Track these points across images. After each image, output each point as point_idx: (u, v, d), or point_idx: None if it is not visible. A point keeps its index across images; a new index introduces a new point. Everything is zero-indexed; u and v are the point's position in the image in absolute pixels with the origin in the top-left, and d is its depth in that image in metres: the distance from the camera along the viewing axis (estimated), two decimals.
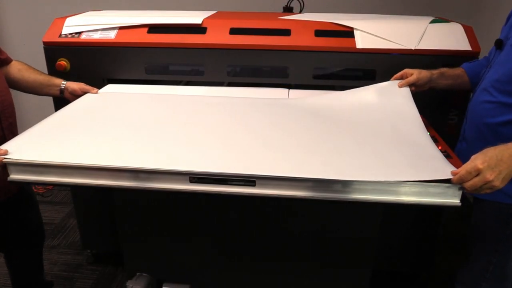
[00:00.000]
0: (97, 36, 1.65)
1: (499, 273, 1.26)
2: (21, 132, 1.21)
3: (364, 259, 1.46)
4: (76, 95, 1.53)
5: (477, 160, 0.92)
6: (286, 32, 1.61)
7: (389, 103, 1.37)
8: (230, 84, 1.74)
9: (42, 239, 1.70)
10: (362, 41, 1.56)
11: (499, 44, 1.19)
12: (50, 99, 1.67)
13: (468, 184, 0.92)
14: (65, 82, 1.53)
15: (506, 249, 1.22)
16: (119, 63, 1.66)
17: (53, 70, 1.65)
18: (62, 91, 1.52)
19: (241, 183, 0.96)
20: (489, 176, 0.91)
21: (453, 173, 0.94)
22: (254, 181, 0.95)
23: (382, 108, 1.36)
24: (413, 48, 1.53)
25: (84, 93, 1.53)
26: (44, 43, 1.65)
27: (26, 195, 1.57)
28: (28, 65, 1.52)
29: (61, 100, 1.57)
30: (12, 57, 1.50)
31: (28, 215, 1.61)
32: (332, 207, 1.38)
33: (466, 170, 0.92)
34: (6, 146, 1.06)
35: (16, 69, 1.48)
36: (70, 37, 1.65)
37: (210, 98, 1.52)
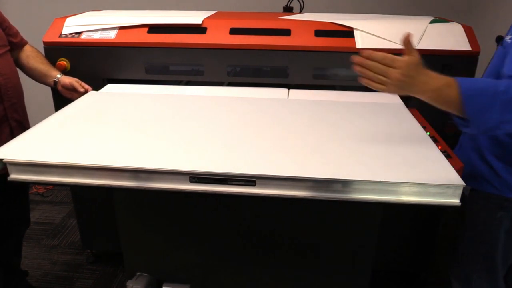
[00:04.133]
0: (97, 36, 1.65)
1: (488, 265, 1.24)
2: (28, 114, 1.24)
3: (364, 259, 1.46)
4: (67, 89, 1.57)
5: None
6: (286, 32, 1.61)
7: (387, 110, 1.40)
8: (230, 84, 1.74)
9: (27, 226, 1.75)
10: (362, 41, 1.56)
11: (499, 40, 1.18)
12: (50, 98, 1.68)
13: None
14: (59, 76, 1.58)
15: (494, 240, 1.21)
16: (119, 63, 1.66)
17: None
18: (55, 83, 1.58)
19: (241, 183, 0.96)
20: (392, 72, 0.91)
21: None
22: (254, 181, 0.95)
23: (380, 114, 1.37)
24: None
25: (73, 88, 1.56)
26: (44, 43, 1.65)
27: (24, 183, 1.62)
28: (37, 53, 1.62)
29: (61, 99, 1.58)
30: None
31: (22, 201, 1.67)
32: (331, 207, 1.38)
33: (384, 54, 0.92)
34: (7, 146, 1.06)
35: (25, 55, 1.58)
36: (70, 37, 1.65)
37: (210, 98, 1.53)
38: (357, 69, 0.95)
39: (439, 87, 0.93)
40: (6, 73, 1.44)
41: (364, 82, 0.96)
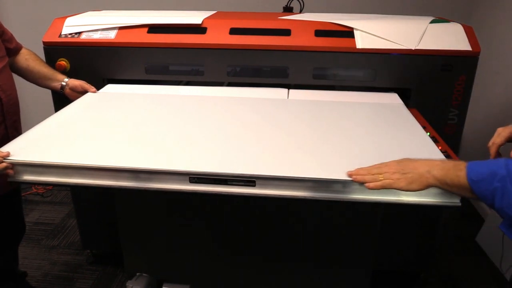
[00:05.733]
0: (97, 36, 1.65)
1: None
2: (24, 130, 1.22)
3: (364, 259, 1.46)
4: (76, 91, 1.56)
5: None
6: (286, 32, 1.61)
7: (387, 110, 1.39)
8: (230, 84, 1.74)
9: (23, 233, 1.74)
10: (362, 41, 1.56)
11: None
12: (51, 98, 1.68)
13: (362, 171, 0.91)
14: (67, 79, 1.56)
15: None
16: (119, 63, 1.66)
17: None
18: (62, 87, 1.56)
19: (241, 183, 0.96)
20: (388, 167, 0.89)
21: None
22: (254, 181, 0.95)
23: (380, 115, 1.36)
24: (413, 48, 1.53)
25: (84, 90, 1.56)
26: (44, 43, 1.65)
27: (17, 191, 1.61)
28: (36, 56, 1.58)
29: (61, 99, 1.58)
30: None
31: (18, 210, 1.65)
32: (332, 207, 1.38)
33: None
34: (7, 147, 1.06)
35: (23, 58, 1.54)
36: (70, 37, 1.65)
37: (210, 98, 1.53)
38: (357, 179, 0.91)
39: (445, 165, 0.85)
40: (7, 89, 1.38)
41: (371, 186, 0.88)
